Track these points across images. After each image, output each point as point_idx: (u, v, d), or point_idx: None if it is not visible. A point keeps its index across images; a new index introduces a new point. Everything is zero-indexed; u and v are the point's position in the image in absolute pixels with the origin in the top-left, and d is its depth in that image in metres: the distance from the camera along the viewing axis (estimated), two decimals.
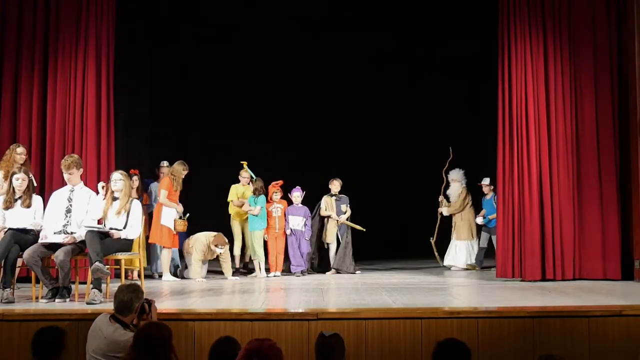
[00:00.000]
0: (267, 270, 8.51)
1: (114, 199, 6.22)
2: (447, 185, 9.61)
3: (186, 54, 11.10)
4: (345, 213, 8.92)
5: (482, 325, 4.93)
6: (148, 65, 10.32)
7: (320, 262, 8.99)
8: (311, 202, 8.97)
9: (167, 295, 6.46)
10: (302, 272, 8.57)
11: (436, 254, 9.56)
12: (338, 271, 8.75)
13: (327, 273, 8.74)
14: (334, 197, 8.95)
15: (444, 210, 9.56)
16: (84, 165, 6.60)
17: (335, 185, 8.97)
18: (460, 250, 9.32)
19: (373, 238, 9.45)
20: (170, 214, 7.98)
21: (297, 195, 8.79)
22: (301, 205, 8.81)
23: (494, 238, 8.87)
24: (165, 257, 7.97)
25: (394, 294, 6.38)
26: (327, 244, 8.91)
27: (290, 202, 8.83)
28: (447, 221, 9.60)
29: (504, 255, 7.58)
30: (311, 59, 11.10)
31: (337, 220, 8.84)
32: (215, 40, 10.87)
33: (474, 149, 10.65)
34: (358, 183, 9.98)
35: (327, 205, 8.92)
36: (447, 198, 9.61)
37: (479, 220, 9.29)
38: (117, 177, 6.24)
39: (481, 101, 10.70)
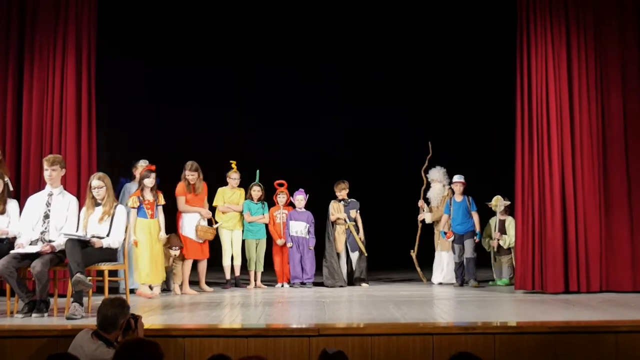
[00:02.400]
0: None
1: (96, 204, 6.22)
2: (428, 187, 9.19)
3: (176, 45, 11.08)
4: (354, 219, 8.82)
5: (500, 341, 4.93)
6: (134, 59, 10.29)
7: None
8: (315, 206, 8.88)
9: (154, 310, 6.45)
10: (303, 284, 8.57)
11: (418, 269, 9.12)
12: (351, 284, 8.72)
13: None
14: (342, 202, 8.81)
15: (427, 216, 9.11)
16: None
17: (341, 189, 8.79)
18: (449, 263, 8.85)
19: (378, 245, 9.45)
20: (191, 223, 7.95)
21: (300, 198, 8.73)
22: (304, 209, 8.77)
23: (467, 244, 8.52)
24: (186, 269, 7.92)
25: (402, 308, 6.36)
26: (338, 253, 8.67)
27: (293, 207, 8.82)
28: (429, 229, 9.22)
29: (523, 265, 7.55)
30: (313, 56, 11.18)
31: (346, 226, 8.70)
32: (208, 29, 10.85)
33: (488, 149, 10.67)
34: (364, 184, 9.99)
35: (334, 211, 8.77)
36: (427, 202, 9.20)
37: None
38: (98, 184, 6.21)
39: (498, 97, 10.70)
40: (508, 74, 8.12)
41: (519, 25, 7.75)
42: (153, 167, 7.70)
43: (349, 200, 8.85)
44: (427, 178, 9.21)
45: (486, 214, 8.88)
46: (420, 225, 9.19)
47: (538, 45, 7.62)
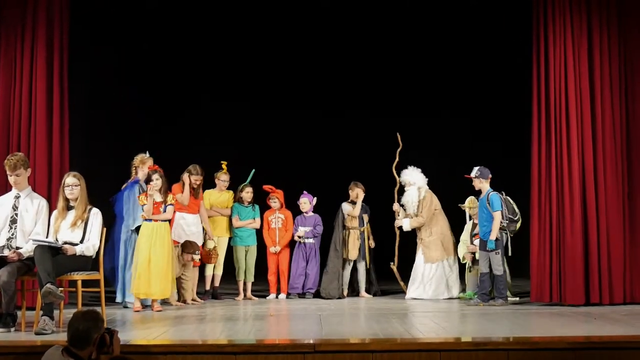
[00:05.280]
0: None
1: (68, 207, 6.19)
2: (402, 190, 8.74)
3: (160, 37, 11.02)
4: (366, 224, 8.82)
5: (514, 358, 4.91)
6: (113, 52, 10.28)
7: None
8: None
9: (132, 324, 6.44)
10: (301, 295, 8.59)
11: (401, 282, 8.76)
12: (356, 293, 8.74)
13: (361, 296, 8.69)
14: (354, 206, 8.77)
15: (404, 223, 8.60)
16: (32, 167, 6.56)
17: (356, 192, 8.74)
18: (433, 277, 8.39)
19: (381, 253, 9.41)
20: (179, 228, 7.96)
21: (304, 201, 8.79)
22: (312, 213, 8.80)
23: (493, 258, 7.68)
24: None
25: (406, 322, 6.38)
26: (350, 261, 8.64)
27: (297, 213, 8.85)
28: (409, 236, 8.76)
29: (539, 274, 7.56)
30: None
31: (362, 229, 8.69)
32: (197, 20, 10.84)
33: (504, 146, 10.67)
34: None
35: (351, 212, 8.72)
36: (404, 207, 8.73)
37: (473, 247, 8.17)
38: (73, 181, 6.21)
39: (513, 91, 10.74)
40: (522, 68, 8.15)
41: (534, 18, 7.77)
42: (157, 167, 7.57)
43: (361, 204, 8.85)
44: (399, 177, 8.76)
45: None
46: (398, 233, 8.74)
47: (556, 37, 7.64)
